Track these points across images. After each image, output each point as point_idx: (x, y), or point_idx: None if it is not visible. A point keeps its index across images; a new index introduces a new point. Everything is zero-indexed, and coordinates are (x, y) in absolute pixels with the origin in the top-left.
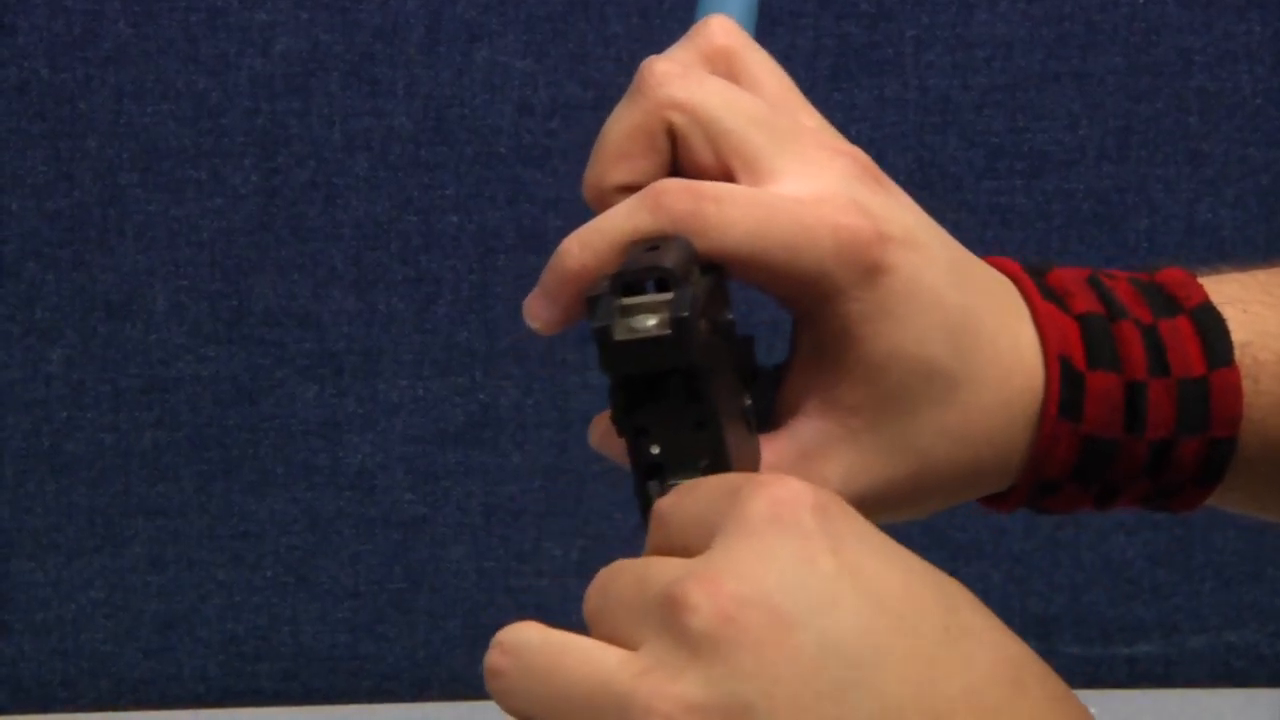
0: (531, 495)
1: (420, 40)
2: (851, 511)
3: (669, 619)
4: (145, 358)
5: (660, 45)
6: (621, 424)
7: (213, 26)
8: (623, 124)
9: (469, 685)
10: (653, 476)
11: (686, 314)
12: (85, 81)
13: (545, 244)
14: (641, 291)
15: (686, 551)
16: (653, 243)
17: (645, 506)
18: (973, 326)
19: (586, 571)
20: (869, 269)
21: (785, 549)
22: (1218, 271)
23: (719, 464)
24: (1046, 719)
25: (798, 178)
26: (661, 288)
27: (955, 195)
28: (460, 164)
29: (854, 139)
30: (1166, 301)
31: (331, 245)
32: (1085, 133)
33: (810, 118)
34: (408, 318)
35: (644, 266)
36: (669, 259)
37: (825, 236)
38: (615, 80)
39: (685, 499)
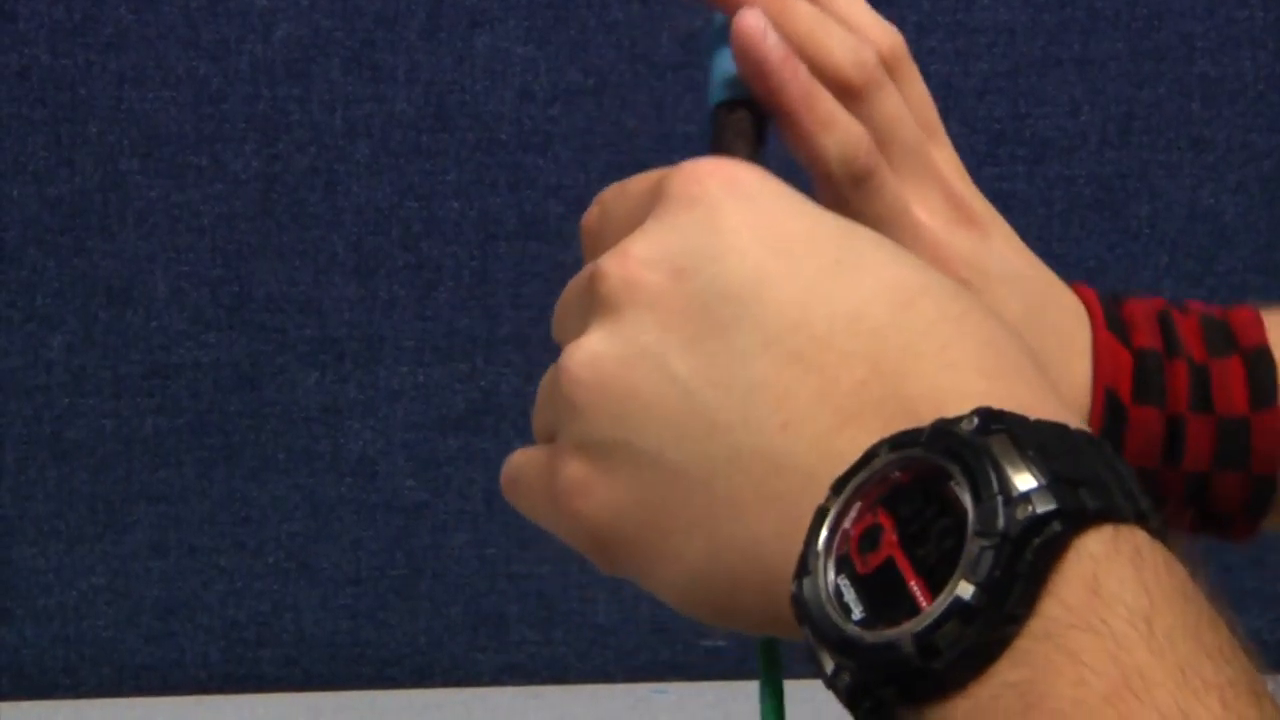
0: None
1: (421, 26)
2: (769, 178)
3: (588, 295)
4: (146, 344)
5: (661, 31)
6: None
7: (213, 12)
8: None
9: (470, 672)
10: None
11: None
12: (86, 67)
13: (546, 230)
14: None
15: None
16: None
17: None
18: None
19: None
20: (974, 231)
21: (692, 216)
22: None
23: None
24: (938, 334)
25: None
26: None
27: None
28: (461, 150)
29: None
30: (1226, 340)
31: (332, 231)
32: (1087, 119)
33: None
34: (409, 304)
35: None
36: None
37: (927, 248)
38: (616, 67)
39: (613, 202)
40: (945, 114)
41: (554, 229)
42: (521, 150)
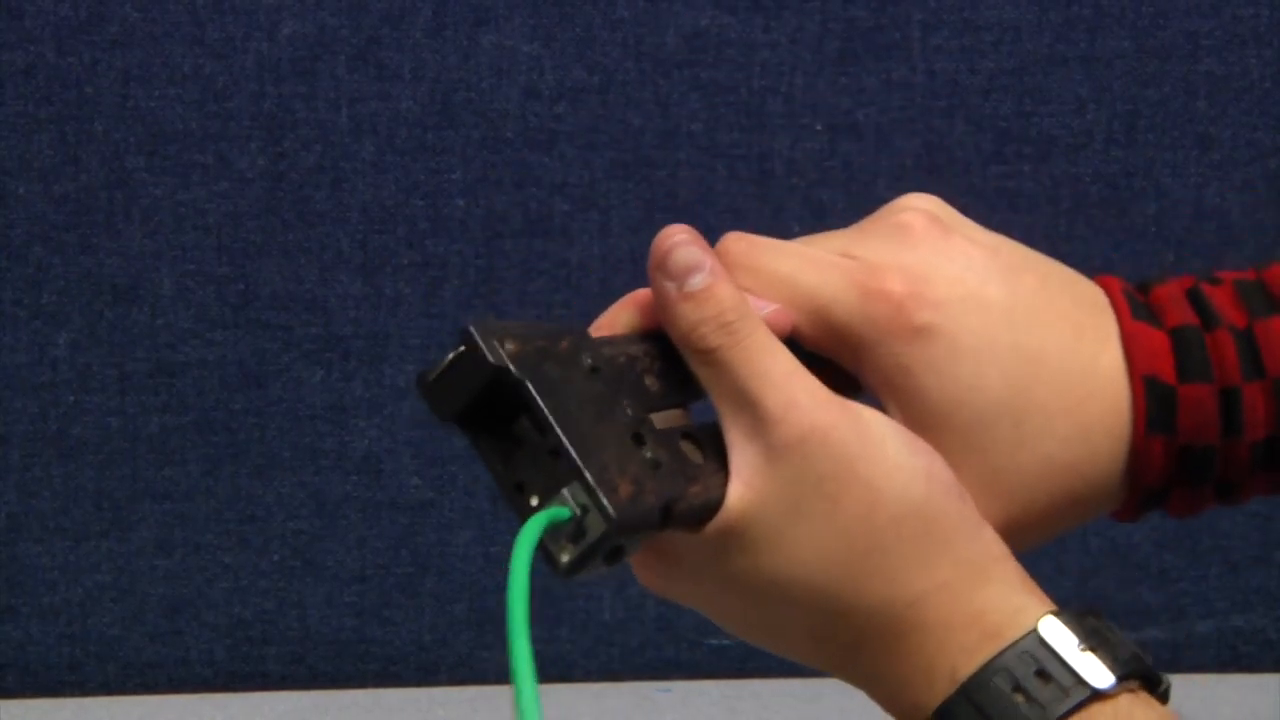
0: None
1: (427, 24)
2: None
3: None
4: (152, 342)
5: (667, 29)
6: (501, 483)
7: (219, 10)
8: None
9: (475, 669)
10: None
11: (471, 327)
12: (92, 65)
13: (551, 228)
14: None
15: None
16: None
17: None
18: (1033, 364)
19: None
20: (906, 330)
21: None
22: None
23: (580, 481)
24: None
25: (858, 246)
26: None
27: (962, 180)
28: (467, 148)
29: (860, 123)
30: (1266, 301)
31: (338, 229)
32: (1093, 117)
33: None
34: (414, 302)
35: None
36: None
37: (852, 294)
38: (621, 64)
39: None
40: (951, 112)
41: (559, 227)
42: (527, 148)
